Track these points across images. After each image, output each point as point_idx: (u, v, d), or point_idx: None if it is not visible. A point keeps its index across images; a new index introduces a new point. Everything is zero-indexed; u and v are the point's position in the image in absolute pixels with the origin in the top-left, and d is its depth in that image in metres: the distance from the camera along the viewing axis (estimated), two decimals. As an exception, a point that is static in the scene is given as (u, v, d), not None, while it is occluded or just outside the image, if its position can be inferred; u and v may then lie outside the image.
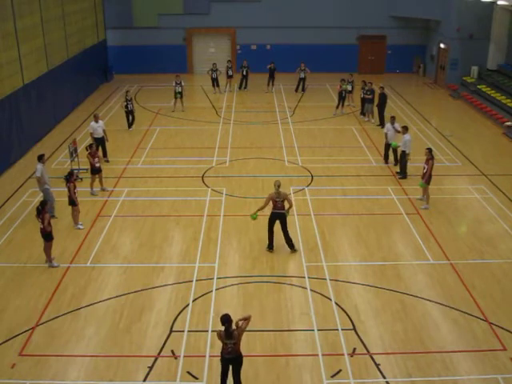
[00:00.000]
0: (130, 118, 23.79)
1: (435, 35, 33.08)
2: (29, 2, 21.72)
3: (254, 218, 14.02)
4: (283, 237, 14.03)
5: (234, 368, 9.38)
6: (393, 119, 19.53)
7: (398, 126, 19.41)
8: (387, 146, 19.58)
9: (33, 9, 22.16)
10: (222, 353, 9.28)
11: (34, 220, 13.78)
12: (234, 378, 9.46)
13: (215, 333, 9.46)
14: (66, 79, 25.57)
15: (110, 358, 10.43)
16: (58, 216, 15.82)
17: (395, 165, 19.53)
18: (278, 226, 13.94)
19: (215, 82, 29.82)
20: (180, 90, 25.91)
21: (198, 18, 33.86)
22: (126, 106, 23.44)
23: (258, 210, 14.00)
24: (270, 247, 14.18)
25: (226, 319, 9.03)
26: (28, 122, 21.20)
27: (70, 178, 15.15)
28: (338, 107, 25.99)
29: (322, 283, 12.74)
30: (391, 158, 19.74)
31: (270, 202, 13.94)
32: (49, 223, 13.27)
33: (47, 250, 13.40)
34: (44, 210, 13.20)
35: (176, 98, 26.07)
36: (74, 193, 15.05)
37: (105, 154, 19.87)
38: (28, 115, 21.23)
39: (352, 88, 26.73)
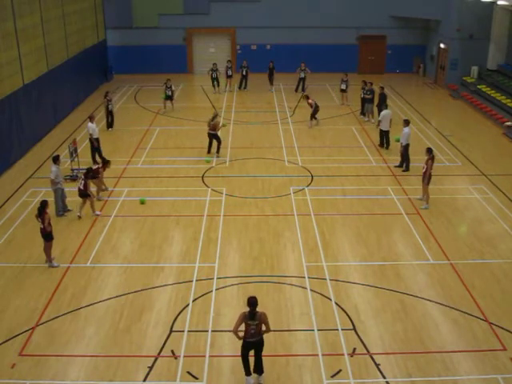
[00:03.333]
0: (110, 118, 23.83)
1: (435, 35, 33.09)
2: (29, 1, 21.72)
3: (224, 125, 22.61)
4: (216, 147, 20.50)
5: (257, 352, 9.62)
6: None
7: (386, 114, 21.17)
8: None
9: (33, 9, 22.16)
10: (244, 338, 9.48)
11: (34, 220, 13.77)
12: (255, 363, 9.70)
13: (241, 313, 9.53)
14: (66, 79, 25.57)
15: (109, 357, 10.43)
16: (59, 216, 15.88)
17: (380, 145, 21.45)
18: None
19: (216, 81, 29.85)
20: (170, 93, 26.05)
21: (197, 18, 33.86)
22: (107, 107, 23.52)
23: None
24: (209, 152, 20.68)
25: (252, 302, 9.33)
26: (28, 122, 21.20)
27: (88, 174, 16.06)
28: (311, 118, 24.41)
29: (322, 283, 12.74)
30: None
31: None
32: (49, 223, 13.27)
33: (47, 250, 13.39)
34: (44, 210, 13.20)
35: (165, 100, 26.13)
36: (89, 186, 15.90)
37: (100, 155, 19.86)
38: (28, 115, 21.23)
39: (346, 87, 27.09)
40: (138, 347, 10.72)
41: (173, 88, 26.26)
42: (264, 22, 33.66)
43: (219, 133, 20.98)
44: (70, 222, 15.57)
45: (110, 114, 23.71)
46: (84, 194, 15.79)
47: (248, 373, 9.74)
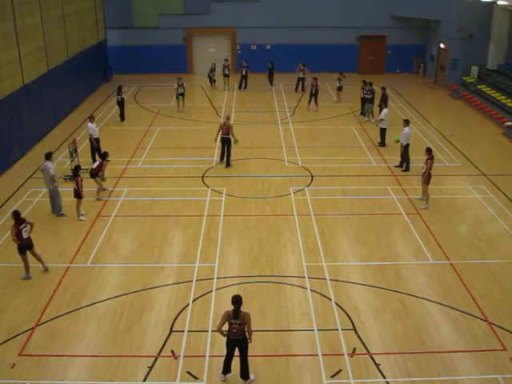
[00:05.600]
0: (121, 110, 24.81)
1: (435, 35, 33.08)
2: (29, 1, 21.71)
3: (236, 143, 19.66)
4: (225, 156, 19.62)
5: (241, 352, 9.64)
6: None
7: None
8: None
9: (33, 9, 22.16)
10: (228, 335, 9.60)
11: (34, 220, 13.68)
12: (241, 363, 9.73)
13: (225, 313, 9.65)
14: (66, 79, 25.57)
15: (109, 357, 10.43)
16: (59, 216, 15.88)
17: (381, 145, 21.58)
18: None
19: (212, 80, 30.49)
20: (182, 91, 25.99)
21: (197, 18, 33.86)
22: (123, 99, 24.49)
23: (216, 135, 19.85)
24: (222, 160, 19.79)
25: (237, 300, 9.44)
26: (28, 122, 21.20)
27: (77, 171, 15.67)
28: (309, 102, 26.57)
29: (322, 283, 12.74)
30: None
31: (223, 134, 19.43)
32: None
33: (38, 254, 13.13)
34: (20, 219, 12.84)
35: (178, 99, 26.09)
36: (81, 186, 15.53)
37: (100, 155, 19.82)
38: (28, 115, 21.23)
39: (341, 85, 27.79)
40: (138, 347, 10.72)
41: (184, 85, 26.22)
42: (264, 22, 33.66)
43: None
44: (69, 221, 15.56)
45: (122, 108, 24.64)
46: (77, 193, 15.56)
47: (224, 371, 9.83)
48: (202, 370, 10.10)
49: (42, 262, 13.18)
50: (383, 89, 24.21)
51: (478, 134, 23.64)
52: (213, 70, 30.55)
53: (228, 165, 19.55)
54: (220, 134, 19.58)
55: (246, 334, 9.61)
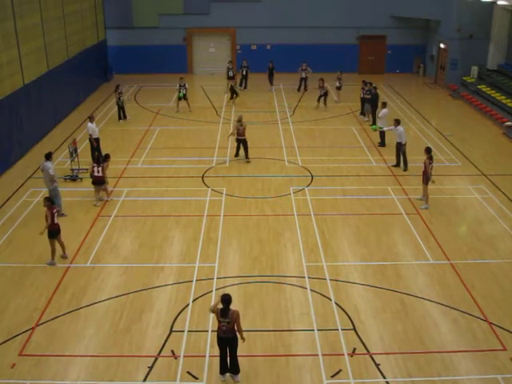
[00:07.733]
0: (121, 111, 24.92)
1: (435, 35, 33.08)
2: (29, 1, 21.71)
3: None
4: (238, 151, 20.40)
5: (230, 350, 9.71)
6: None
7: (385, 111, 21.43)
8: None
9: (33, 9, 22.16)
10: (218, 334, 9.63)
11: (34, 220, 13.75)
12: (230, 361, 9.77)
13: (214, 309, 9.69)
14: (66, 79, 25.56)
15: (109, 357, 10.43)
16: (59, 216, 15.86)
17: (380, 145, 21.53)
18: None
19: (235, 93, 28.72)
20: (184, 92, 25.97)
21: (197, 18, 33.85)
22: (118, 99, 24.56)
23: (231, 134, 20.64)
24: (236, 156, 20.40)
25: (225, 299, 9.44)
26: (28, 122, 21.20)
27: (106, 159, 16.90)
28: (318, 101, 26.96)
29: (322, 283, 12.74)
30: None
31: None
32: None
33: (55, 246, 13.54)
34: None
35: (179, 99, 26.08)
36: (105, 172, 16.59)
37: (100, 155, 19.80)
38: (28, 115, 21.23)
39: (340, 85, 27.78)
40: (137, 347, 10.72)
41: (186, 86, 26.18)
42: (264, 22, 33.65)
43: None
44: (70, 221, 15.56)
45: (121, 107, 24.71)
46: (102, 180, 16.41)
47: (221, 371, 9.86)
48: (201, 370, 10.10)
49: (63, 249, 13.67)
50: (374, 88, 24.32)
51: (478, 134, 23.64)
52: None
53: (247, 158, 20.13)
54: (236, 135, 20.05)
55: (237, 332, 9.62)
